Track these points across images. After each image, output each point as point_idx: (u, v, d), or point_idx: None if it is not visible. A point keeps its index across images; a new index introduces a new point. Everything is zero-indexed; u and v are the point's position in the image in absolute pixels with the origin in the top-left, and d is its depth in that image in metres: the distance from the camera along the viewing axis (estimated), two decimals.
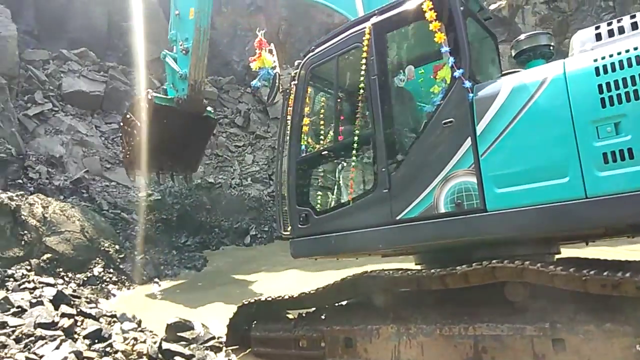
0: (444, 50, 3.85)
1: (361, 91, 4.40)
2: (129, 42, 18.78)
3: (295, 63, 5.16)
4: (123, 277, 10.05)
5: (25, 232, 9.25)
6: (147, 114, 10.86)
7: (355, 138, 4.41)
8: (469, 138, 3.72)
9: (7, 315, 4.37)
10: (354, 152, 4.41)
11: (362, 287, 4.47)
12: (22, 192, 10.65)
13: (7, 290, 5.12)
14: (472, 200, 3.67)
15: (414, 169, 4.05)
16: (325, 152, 4.74)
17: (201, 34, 10.99)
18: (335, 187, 4.87)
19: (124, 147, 11.87)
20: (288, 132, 5.00)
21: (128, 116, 11.38)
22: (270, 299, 5.20)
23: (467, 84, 3.74)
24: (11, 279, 5.57)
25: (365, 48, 4.37)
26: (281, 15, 20.83)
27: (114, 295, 9.35)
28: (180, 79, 11.19)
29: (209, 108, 11.99)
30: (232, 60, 20.78)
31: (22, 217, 9.36)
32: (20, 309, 4.41)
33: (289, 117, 5.03)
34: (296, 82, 5.02)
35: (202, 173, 16.19)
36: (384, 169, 4.17)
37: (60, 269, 9.14)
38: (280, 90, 5.28)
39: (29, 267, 8.63)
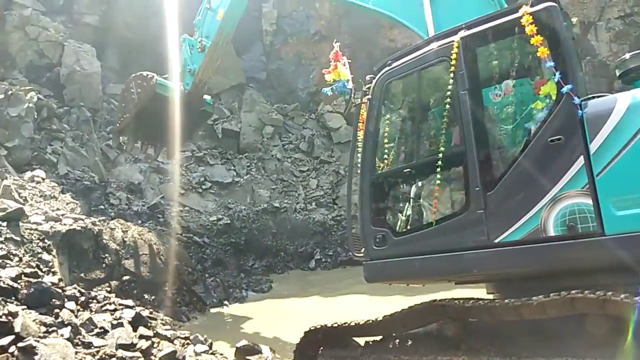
0: (549, 65, 3.68)
1: (448, 106, 4.23)
2: None
3: (367, 78, 5.04)
4: (195, 299, 10.43)
5: (106, 255, 9.87)
6: (146, 96, 10.92)
7: (441, 155, 4.19)
8: (581, 157, 3.50)
9: (92, 335, 4.67)
10: (439, 170, 4.18)
11: (432, 315, 4.35)
12: (104, 217, 11.40)
13: (91, 311, 5.48)
14: (587, 223, 3.43)
15: (515, 188, 3.81)
16: (406, 169, 4.55)
17: (222, 38, 10.71)
18: (418, 206, 4.62)
19: (119, 113, 11.87)
20: (359, 148, 4.83)
21: (131, 86, 11.31)
22: (336, 325, 5.18)
23: (577, 100, 3.57)
24: (94, 301, 5.97)
25: (453, 62, 4.21)
26: (344, 42, 21.24)
27: (187, 317, 9.71)
28: (189, 73, 11.05)
29: (207, 98, 11.85)
30: (297, 88, 21.37)
31: (104, 241, 10.00)
32: (102, 330, 4.71)
33: (360, 133, 4.88)
34: (370, 96, 4.83)
35: (269, 198, 16.62)
36: (477, 188, 3.93)
37: (137, 291, 9.64)
38: (354, 105, 5.15)
39: (109, 289, 9.18)
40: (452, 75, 4.21)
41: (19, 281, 5.02)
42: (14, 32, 16.84)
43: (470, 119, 4.08)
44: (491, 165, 4.02)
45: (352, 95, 5.10)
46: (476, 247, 3.90)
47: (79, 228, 9.41)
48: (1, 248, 6.50)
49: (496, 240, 3.81)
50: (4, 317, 3.69)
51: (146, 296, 9.64)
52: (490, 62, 4.49)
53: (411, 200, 4.71)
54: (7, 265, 5.25)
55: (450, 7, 5.56)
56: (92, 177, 13.69)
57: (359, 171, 4.80)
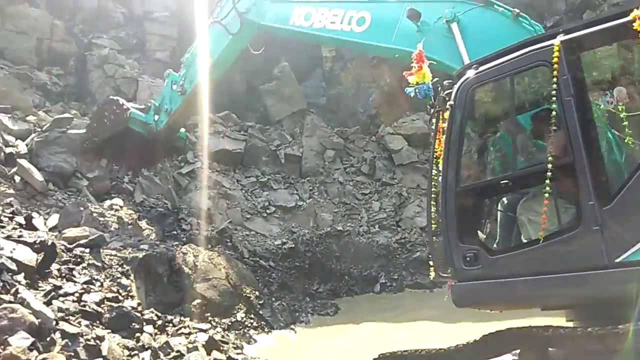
0: None
1: (553, 112, 3.90)
2: (264, 103, 20.58)
3: (445, 83, 4.78)
4: (263, 322, 10.59)
5: (180, 279, 10.30)
6: (118, 127, 10.85)
7: (545, 166, 3.82)
8: None
9: (169, 359, 4.88)
10: (543, 182, 3.81)
11: (508, 345, 4.14)
12: (177, 243, 11.92)
13: (168, 334, 5.73)
14: None
15: (637, 202, 3.49)
16: (501, 181, 4.21)
17: (203, 88, 10.56)
18: (516, 222, 4.30)
19: (88, 133, 11.64)
20: (437, 157, 4.54)
21: (105, 110, 11.24)
22: (406, 352, 5.06)
23: None
24: (170, 324, 6.24)
25: (555, 66, 3.88)
26: (402, 65, 21.24)
27: (255, 341, 9.86)
28: (164, 112, 10.93)
29: (182, 131, 11.75)
30: (357, 112, 21.52)
31: (177, 265, 10.45)
32: (179, 354, 4.91)
33: (438, 143, 4.60)
34: (452, 103, 4.49)
35: (331, 221, 16.69)
36: (591, 203, 3.61)
37: (209, 314, 9.93)
38: (434, 110, 4.85)
39: (182, 312, 9.54)
40: (555, 80, 3.90)
41: (102, 305, 5.35)
42: (94, 71, 18.31)
43: (578, 127, 3.77)
44: (606, 178, 3.71)
45: (440, 95, 4.80)
46: (593, 267, 3.57)
47: (154, 253, 9.94)
48: (84, 274, 6.98)
49: (617, 260, 3.49)
50: (92, 340, 3.95)
51: (217, 319, 9.92)
52: (597, 67, 4.23)
53: (508, 215, 4.40)
54: (92, 290, 5.61)
55: (481, 38, 5.41)
56: (165, 204, 14.40)
57: (439, 183, 4.47)
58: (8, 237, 5.10)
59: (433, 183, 4.63)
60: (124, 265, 8.70)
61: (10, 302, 3.69)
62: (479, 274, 4.04)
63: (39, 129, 13.03)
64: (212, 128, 18.67)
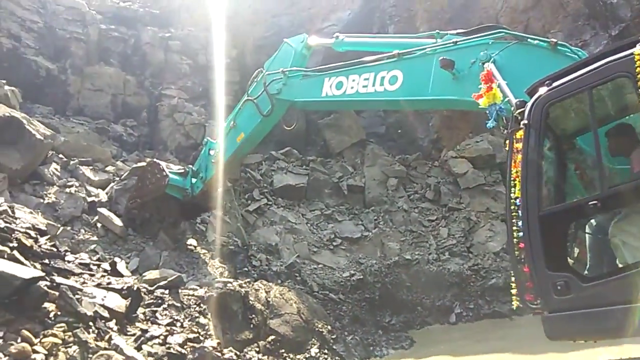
0: None
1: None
2: (324, 136, 20.92)
3: (515, 102, 4.60)
4: (337, 357, 10.48)
5: (253, 315, 10.47)
6: (156, 191, 11.44)
7: (637, 183, 3.66)
8: None
9: None
10: (634, 200, 3.60)
11: None
12: (248, 279, 12.18)
13: None
14: None
15: None
16: (588, 202, 3.89)
17: (236, 159, 11.10)
18: (610, 245, 4.02)
19: (135, 192, 12.28)
20: (513, 179, 4.32)
21: (147, 173, 11.87)
22: None
23: None
24: None
25: (639, 77, 3.67)
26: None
27: None
28: (200, 179, 11.42)
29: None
30: (417, 138, 21.33)
31: (250, 302, 10.64)
32: None
33: (515, 164, 4.39)
34: (527, 122, 4.32)
35: (399, 250, 16.42)
36: None
37: (283, 350, 9.98)
38: (506, 131, 4.66)
39: (257, 349, 9.66)
40: (638, 91, 3.71)
41: (185, 347, 5.54)
42: (164, 120, 19.50)
43: None
44: None
45: (515, 115, 4.61)
46: None
47: (228, 291, 10.21)
48: (166, 314, 7.29)
49: None
50: None
51: (291, 355, 9.94)
52: None
53: (598, 238, 4.13)
54: (174, 332, 5.84)
55: (521, 74, 5.22)
56: (235, 242, 14.83)
57: (518, 207, 4.24)
58: (98, 285, 5.47)
59: (512, 207, 4.42)
60: (201, 305, 8.99)
61: (105, 348, 3.93)
62: (573, 303, 3.75)
63: (118, 178, 13.98)
64: (275, 165, 19.22)
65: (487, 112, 4.89)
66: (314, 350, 10.36)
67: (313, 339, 10.73)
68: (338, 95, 8.45)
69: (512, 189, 4.30)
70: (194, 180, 11.76)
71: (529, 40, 5.87)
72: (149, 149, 18.75)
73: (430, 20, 19.88)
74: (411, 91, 7.28)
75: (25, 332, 3.70)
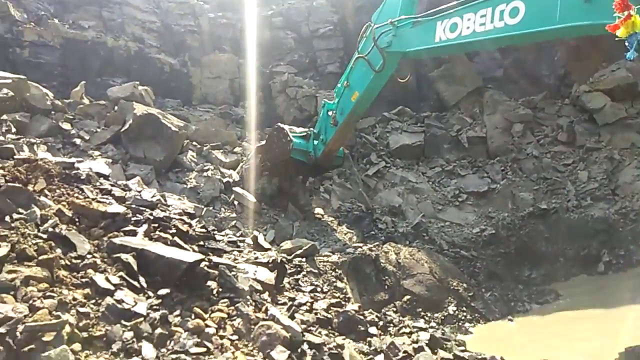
0: None
1: None
2: (436, 90, 20.13)
3: None
4: (476, 314, 10.34)
5: (386, 277, 10.69)
6: (282, 155, 12.02)
7: None
8: None
9: None
10: None
11: None
12: (377, 243, 12.41)
13: (391, 335, 6.01)
14: None
15: None
16: None
17: (353, 118, 11.03)
18: None
19: (263, 154, 12.96)
20: None
21: (274, 138, 12.49)
22: None
23: None
24: (391, 325, 6.54)
25: None
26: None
27: (471, 333, 9.69)
28: (321, 141, 11.46)
29: (340, 150, 12.36)
30: (541, 76, 19.55)
31: (382, 264, 10.87)
32: (407, 354, 5.09)
33: None
34: None
35: (533, 200, 15.44)
36: None
37: (420, 309, 10.10)
38: None
39: (395, 309, 9.89)
40: None
41: (329, 311, 5.86)
42: (278, 97, 20.22)
43: None
44: None
45: None
46: None
47: (360, 255, 10.54)
48: (306, 281, 7.74)
49: None
50: (334, 348, 4.38)
51: (429, 314, 10.03)
52: None
53: None
54: (318, 298, 6.20)
55: None
56: (359, 207, 15.13)
57: None
58: (247, 260, 5.99)
59: None
60: (337, 270, 9.39)
61: (264, 319, 4.32)
62: None
63: (245, 158, 14.95)
64: (389, 126, 19.01)
65: (627, 42, 4.34)
66: (451, 308, 10.33)
67: (449, 297, 10.69)
68: (453, 39, 8.04)
69: None
70: (315, 142, 12.22)
71: None
72: (268, 126, 19.65)
73: None
74: (536, 22, 6.67)
75: (197, 309, 4.21)
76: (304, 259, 8.91)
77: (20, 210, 4.58)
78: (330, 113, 11.64)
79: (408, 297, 10.40)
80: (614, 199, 15.03)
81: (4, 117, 11.67)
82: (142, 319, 3.86)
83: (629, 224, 14.09)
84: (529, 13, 6.71)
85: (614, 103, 17.08)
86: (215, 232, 7.54)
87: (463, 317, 10.20)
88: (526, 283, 12.61)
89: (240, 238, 8.16)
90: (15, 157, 5.70)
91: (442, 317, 10.06)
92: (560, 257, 13.72)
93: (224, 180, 13.59)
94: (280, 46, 21.71)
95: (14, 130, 11.55)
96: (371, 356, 4.84)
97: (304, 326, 4.66)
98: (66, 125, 13.10)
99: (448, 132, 18.48)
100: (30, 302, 3.54)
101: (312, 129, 12.82)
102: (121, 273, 4.30)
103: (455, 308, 10.41)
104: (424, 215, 15.39)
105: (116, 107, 14.02)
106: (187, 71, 20.57)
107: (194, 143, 14.80)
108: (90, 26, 19.07)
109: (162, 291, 4.25)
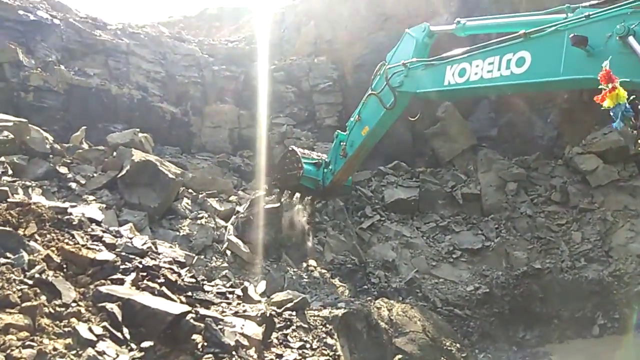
0: None
1: None
2: (432, 146, 20.48)
3: None
4: None
5: (378, 334, 10.46)
6: (292, 179, 12.36)
7: None
8: None
9: None
10: None
11: None
12: (369, 297, 12.24)
13: None
14: None
15: None
16: None
17: (362, 152, 11.35)
18: None
19: (276, 173, 13.68)
20: None
21: (287, 159, 13.05)
22: None
23: None
24: None
25: None
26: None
27: None
28: (329, 171, 11.79)
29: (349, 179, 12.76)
30: (535, 137, 19.94)
31: (374, 320, 10.66)
32: None
33: None
34: None
35: (527, 259, 15.37)
36: None
37: None
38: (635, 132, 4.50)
39: None
40: None
41: None
42: (276, 147, 20.51)
43: None
44: None
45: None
46: None
47: (352, 310, 10.34)
48: (295, 337, 7.56)
49: None
50: None
51: None
52: None
53: None
54: (307, 355, 6.05)
55: None
56: (352, 260, 15.00)
57: None
58: (235, 313, 5.89)
59: None
60: (327, 325, 9.19)
61: None
62: None
63: (239, 207, 14.96)
64: (384, 180, 19.18)
65: (612, 113, 4.52)
66: None
67: (442, 358, 10.42)
68: (461, 83, 8.34)
69: None
70: (325, 170, 12.68)
71: None
72: (266, 176, 19.83)
73: None
74: (541, 73, 6.92)
75: None
76: (294, 312, 8.74)
77: (8, 254, 4.54)
78: (342, 144, 12.04)
79: (400, 356, 10.14)
80: (607, 261, 15.00)
81: (2, 159, 11.76)
82: None
83: (623, 286, 14.00)
84: (535, 63, 6.96)
85: (606, 165, 17.37)
86: (205, 282, 7.43)
87: None
88: (520, 344, 12.37)
89: (230, 289, 8.03)
90: (8, 200, 5.72)
91: None
92: (554, 318, 13.53)
93: (219, 229, 13.54)
94: (281, 99, 22.23)
95: (10, 172, 11.62)
96: None
97: None
98: (63, 169, 13.17)
99: (443, 188, 18.62)
100: (8, 351, 3.45)
101: (324, 156, 13.18)
102: (105, 323, 4.22)
103: None
104: (417, 271, 15.26)
105: (115, 153, 14.16)
106: (188, 120, 20.93)
107: (190, 190, 14.85)
108: (96, 74, 19.55)
109: (145, 344, 4.16)
